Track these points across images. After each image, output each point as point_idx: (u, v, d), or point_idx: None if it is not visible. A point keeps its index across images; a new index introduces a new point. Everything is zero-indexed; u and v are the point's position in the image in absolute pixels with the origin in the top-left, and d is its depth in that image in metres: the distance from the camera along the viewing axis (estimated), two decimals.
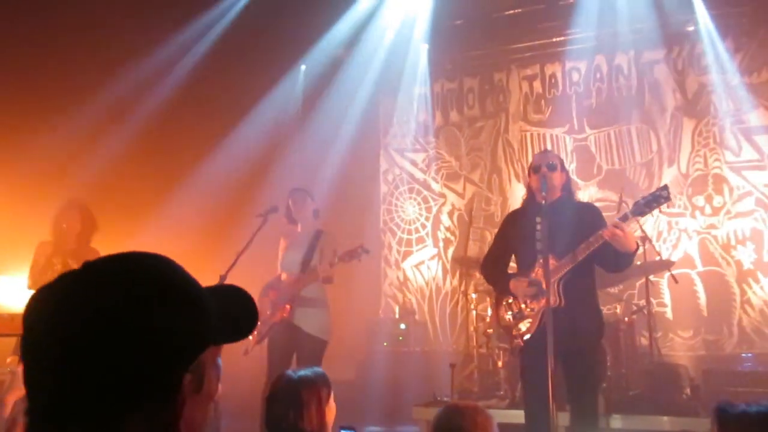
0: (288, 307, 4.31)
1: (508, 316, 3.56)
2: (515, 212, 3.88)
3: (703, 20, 6.63)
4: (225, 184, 6.73)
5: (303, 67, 7.69)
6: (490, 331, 5.25)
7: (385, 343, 6.57)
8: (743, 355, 5.84)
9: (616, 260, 3.36)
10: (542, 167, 3.48)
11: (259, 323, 4.29)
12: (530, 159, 7.28)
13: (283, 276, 4.50)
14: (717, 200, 6.67)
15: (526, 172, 3.70)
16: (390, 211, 7.95)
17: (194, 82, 6.57)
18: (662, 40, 6.95)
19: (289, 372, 2.33)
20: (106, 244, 4.22)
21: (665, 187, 3.16)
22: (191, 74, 6.59)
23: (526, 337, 3.47)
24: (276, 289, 4.46)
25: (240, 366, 4.34)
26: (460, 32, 7.40)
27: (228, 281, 3.99)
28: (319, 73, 7.45)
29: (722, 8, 6.59)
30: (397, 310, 7.38)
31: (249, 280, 4.55)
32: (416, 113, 7.98)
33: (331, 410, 2.24)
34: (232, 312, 0.96)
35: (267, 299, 4.44)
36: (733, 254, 6.52)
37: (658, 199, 3.14)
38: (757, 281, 6.40)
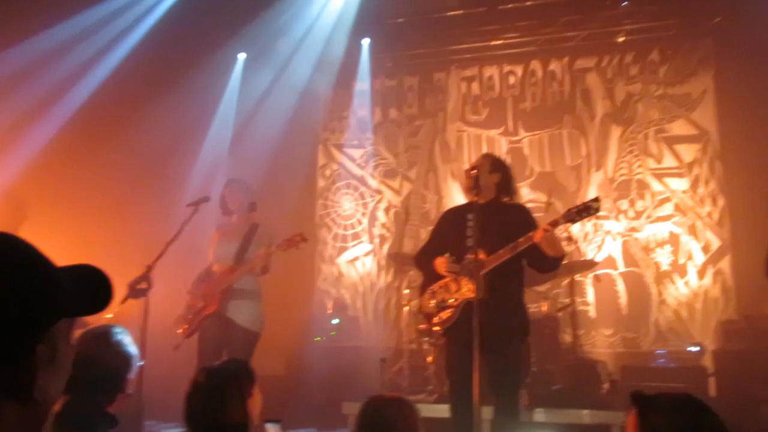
0: (220, 298, 4.24)
1: (432, 303, 3.65)
2: (452, 210, 3.98)
3: (631, 32, 6.94)
4: (157, 174, 6.57)
5: (242, 56, 7.58)
6: (422, 326, 5.33)
7: (317, 338, 6.56)
8: (658, 351, 6.16)
9: (543, 262, 3.48)
10: (477, 168, 3.58)
11: (190, 316, 4.23)
12: (466, 158, 7.48)
13: (216, 267, 4.41)
14: (639, 204, 7.00)
15: (463, 171, 3.78)
16: (326, 206, 7.94)
17: (127, 72, 6.39)
18: (594, 48, 7.24)
19: (210, 365, 2.28)
20: (34, 234, 4.04)
21: (597, 199, 3.29)
22: (125, 65, 6.43)
23: (447, 325, 3.55)
24: (207, 282, 4.37)
25: (171, 361, 4.24)
26: (401, 30, 7.46)
27: (156, 272, 3.90)
28: (259, 63, 7.36)
29: (650, 21, 6.91)
30: (330, 305, 7.39)
31: (178, 270, 4.49)
32: (356, 109, 7.99)
33: (255, 403, 2.19)
34: (86, 288, 1.02)
35: (198, 291, 4.35)
36: (652, 256, 6.87)
37: (588, 209, 3.27)
38: (672, 282, 6.76)
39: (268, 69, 7.39)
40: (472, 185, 3.51)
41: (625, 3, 6.81)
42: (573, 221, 3.32)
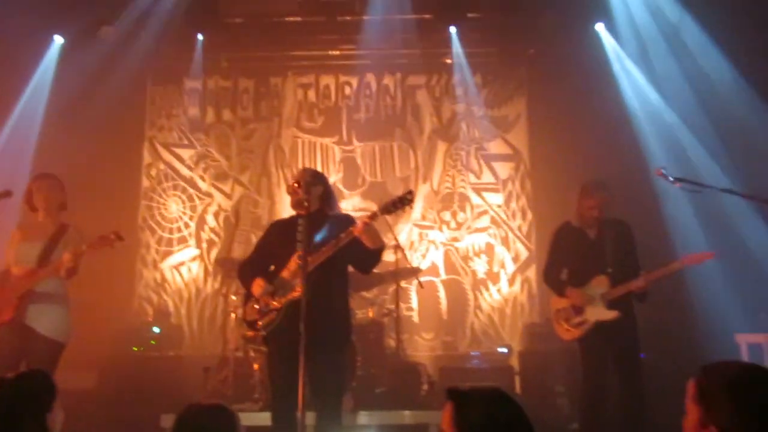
0: (17, 304, 3.79)
1: (256, 308, 3.61)
2: (279, 221, 3.98)
3: (457, 55, 7.43)
4: None
5: (59, 40, 6.90)
6: (249, 334, 5.21)
7: (135, 348, 6.15)
8: (472, 353, 6.62)
9: (366, 258, 3.58)
10: (299, 181, 3.63)
11: None
12: (300, 164, 7.49)
13: (15, 270, 3.95)
14: (460, 216, 7.50)
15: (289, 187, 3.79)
16: (151, 207, 7.48)
17: None
18: (424, 67, 7.64)
19: (2, 378, 2.04)
20: None
21: (410, 192, 3.45)
22: None
23: (270, 329, 3.53)
24: (3, 286, 3.89)
25: None
26: (239, 31, 7.29)
27: None
28: (81, 49, 6.75)
29: (474, 47, 7.45)
30: (151, 312, 6.97)
31: None
32: (186, 107, 7.66)
33: (55, 421, 1.99)
34: None
35: None
36: (470, 265, 7.38)
37: (403, 200, 3.40)
38: (487, 289, 7.32)
39: (91, 56, 6.80)
40: (300, 197, 3.55)
41: (452, 27, 7.28)
42: (389, 212, 3.45)
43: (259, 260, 3.77)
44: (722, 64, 6.09)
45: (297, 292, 3.36)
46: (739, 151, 5.86)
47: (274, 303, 3.54)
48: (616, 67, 7.01)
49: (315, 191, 3.68)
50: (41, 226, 4.06)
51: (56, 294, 3.92)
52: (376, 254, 3.55)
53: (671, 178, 3.78)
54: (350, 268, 3.75)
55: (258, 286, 3.58)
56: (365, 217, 3.49)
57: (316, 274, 3.41)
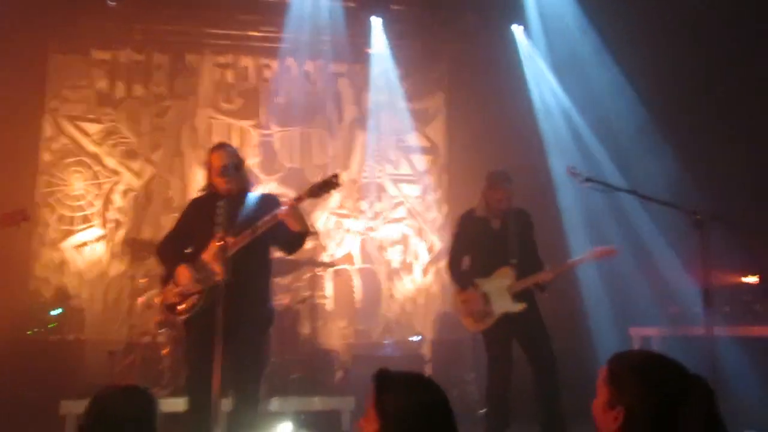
0: None
1: (176, 291, 3.49)
2: (198, 198, 3.82)
3: (380, 46, 7.46)
4: None
5: None
6: (161, 318, 5.03)
7: (29, 332, 5.76)
8: (385, 341, 6.71)
9: (291, 240, 3.53)
10: (229, 169, 3.52)
11: None
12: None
13: None
14: (377, 206, 7.56)
15: (211, 165, 3.64)
16: (51, 183, 7.01)
17: None
18: (347, 56, 7.59)
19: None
20: None
21: (336, 175, 3.43)
22: None
23: (191, 312, 3.43)
24: None
25: None
26: (154, 2, 6.96)
27: None
28: None
29: (397, 39, 7.51)
30: (49, 295, 6.55)
31: None
32: (94, 80, 7.23)
33: None
34: None
35: None
36: (385, 255, 7.47)
37: (329, 183, 3.38)
38: (400, 279, 7.44)
39: None
40: (236, 181, 3.49)
41: (376, 17, 7.29)
42: (317, 196, 3.44)
43: (178, 240, 3.65)
44: (615, 73, 6.47)
45: (219, 276, 3.28)
46: (626, 151, 6.24)
47: (196, 287, 3.44)
48: (528, 67, 7.30)
49: (243, 172, 3.61)
50: None
51: None
52: (300, 237, 3.52)
53: (581, 178, 3.96)
54: (273, 251, 3.70)
55: (184, 276, 3.45)
56: (290, 199, 3.45)
57: (238, 255, 3.34)
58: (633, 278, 5.94)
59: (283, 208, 3.39)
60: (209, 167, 3.61)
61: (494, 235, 4.41)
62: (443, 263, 7.46)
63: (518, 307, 4.25)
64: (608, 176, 5.76)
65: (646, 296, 5.82)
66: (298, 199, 3.41)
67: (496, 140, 6.92)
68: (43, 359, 5.20)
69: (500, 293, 4.30)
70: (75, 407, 4.39)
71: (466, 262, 4.52)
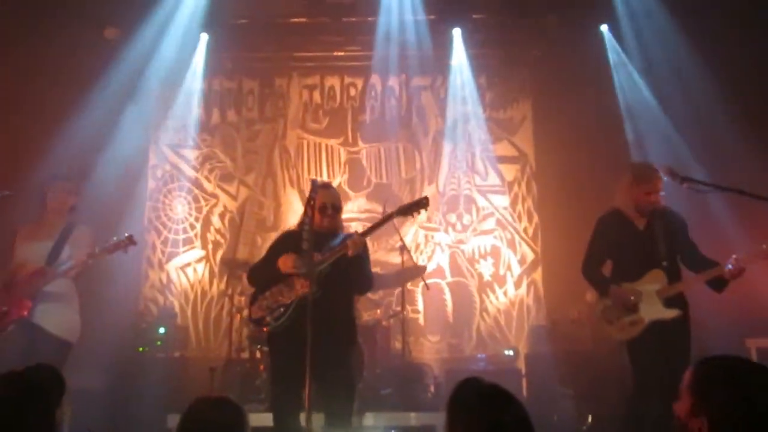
0: (28, 303, 3.79)
1: (264, 305, 3.62)
2: (289, 232, 3.93)
3: (462, 57, 7.42)
4: None
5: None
6: (254, 333, 5.21)
7: (140, 349, 6.13)
8: (478, 356, 6.60)
9: (355, 277, 3.65)
10: (328, 208, 3.69)
11: None
12: (306, 166, 7.49)
13: (22, 269, 3.95)
14: (466, 218, 7.48)
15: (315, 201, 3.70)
16: (157, 208, 7.47)
17: None
18: (429, 69, 7.60)
19: (9, 373, 1.99)
20: None
21: (426, 198, 3.56)
22: None
23: (277, 324, 3.53)
24: (12, 284, 3.90)
25: None
26: (243, 31, 7.30)
27: None
28: (86, 51, 6.74)
29: (479, 49, 7.44)
30: (156, 313, 6.96)
31: None
32: (192, 109, 7.65)
33: (62, 416, 1.95)
34: None
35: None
36: (476, 267, 7.36)
37: (419, 204, 3.52)
38: (493, 291, 7.30)
39: (96, 59, 6.79)
40: (335, 222, 3.73)
41: (457, 29, 7.27)
42: (405, 215, 3.54)
43: (266, 269, 3.76)
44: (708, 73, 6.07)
45: (306, 289, 3.36)
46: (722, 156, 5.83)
47: (284, 299, 3.55)
48: (618, 68, 7.01)
49: (340, 216, 3.79)
50: (49, 225, 4.08)
51: (65, 293, 3.95)
52: (365, 277, 3.67)
53: (678, 178, 3.72)
54: None
55: (288, 258, 3.56)
56: (356, 232, 3.63)
57: (325, 275, 3.45)
58: (750, 286, 5.53)
59: (350, 240, 3.51)
60: (313, 202, 3.56)
61: (639, 236, 4.01)
62: (536, 274, 7.31)
63: (671, 313, 3.86)
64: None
65: (765, 306, 5.41)
66: (388, 217, 3.58)
67: (587, 145, 6.69)
68: (152, 374, 5.51)
69: (650, 298, 3.88)
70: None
71: (607, 267, 4.16)
